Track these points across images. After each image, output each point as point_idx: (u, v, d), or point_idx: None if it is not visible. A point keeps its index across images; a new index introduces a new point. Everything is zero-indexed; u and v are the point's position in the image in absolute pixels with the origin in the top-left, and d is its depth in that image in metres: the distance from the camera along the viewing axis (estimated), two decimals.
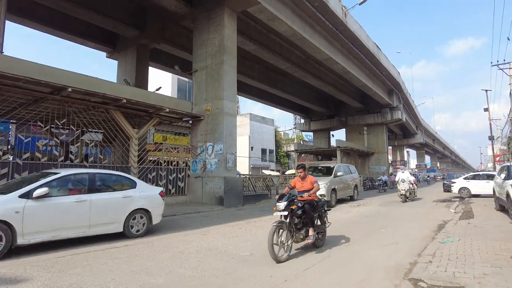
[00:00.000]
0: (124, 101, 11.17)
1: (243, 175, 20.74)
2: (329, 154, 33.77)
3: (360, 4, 19.49)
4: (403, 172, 15.58)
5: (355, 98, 32.08)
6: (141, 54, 17.79)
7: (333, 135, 39.76)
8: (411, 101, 40.50)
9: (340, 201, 14.35)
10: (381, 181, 24.26)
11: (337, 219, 9.77)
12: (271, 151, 42.76)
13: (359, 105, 33.43)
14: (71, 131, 11.19)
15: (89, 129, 12.22)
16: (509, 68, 28.17)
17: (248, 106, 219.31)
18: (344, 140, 33.63)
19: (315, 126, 38.63)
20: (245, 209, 11.93)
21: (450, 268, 4.30)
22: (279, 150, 45.81)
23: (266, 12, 14.47)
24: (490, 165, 55.86)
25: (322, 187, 12.00)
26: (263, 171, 36.89)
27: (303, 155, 36.73)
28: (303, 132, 48.84)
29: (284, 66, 22.21)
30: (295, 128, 47.35)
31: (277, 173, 35.44)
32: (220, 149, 13.42)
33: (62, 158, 10.59)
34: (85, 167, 10.85)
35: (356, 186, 15.98)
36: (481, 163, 76.52)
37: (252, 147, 38.38)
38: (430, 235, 7.05)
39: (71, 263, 4.80)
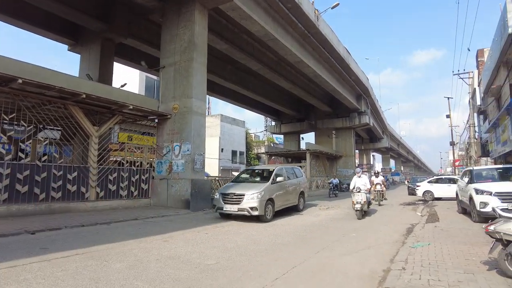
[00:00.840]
0: (84, 96, 10.40)
1: (212, 177, 20.19)
2: (298, 157, 33.98)
3: (332, 8, 19.68)
4: (359, 177, 11.23)
5: (324, 102, 32.51)
6: (106, 48, 16.76)
7: (302, 138, 40.23)
8: (378, 107, 41.71)
9: (309, 204, 14.11)
10: (331, 184, 22.03)
11: (305, 223, 9.57)
12: (241, 153, 42.39)
13: (328, 109, 33.94)
14: (26, 127, 10.20)
15: (45, 126, 11.23)
16: (469, 78, 29.74)
17: (220, 107, 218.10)
18: (314, 143, 34.00)
19: (285, 129, 38.85)
20: (213, 213, 11.44)
21: (424, 276, 4.13)
22: (250, 152, 45.56)
23: (239, 10, 14.14)
24: (449, 169, 58.85)
25: (254, 197, 9.52)
26: (233, 173, 36.40)
27: (273, 157, 36.73)
28: (273, 135, 48.96)
29: (256, 67, 21.98)
30: (266, 130, 47.34)
31: None
32: (188, 150, 12.86)
33: (10, 156, 9.57)
34: (37, 166, 9.94)
35: (302, 192, 12.69)
36: (441, 168, 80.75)
37: (222, 149, 37.83)
38: (400, 239, 6.97)
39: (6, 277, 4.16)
